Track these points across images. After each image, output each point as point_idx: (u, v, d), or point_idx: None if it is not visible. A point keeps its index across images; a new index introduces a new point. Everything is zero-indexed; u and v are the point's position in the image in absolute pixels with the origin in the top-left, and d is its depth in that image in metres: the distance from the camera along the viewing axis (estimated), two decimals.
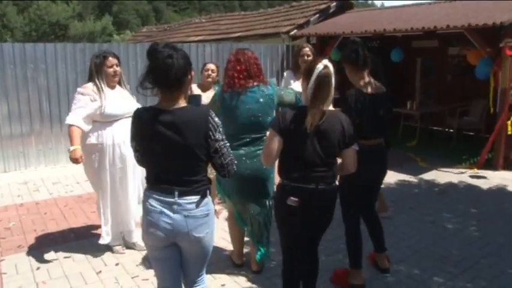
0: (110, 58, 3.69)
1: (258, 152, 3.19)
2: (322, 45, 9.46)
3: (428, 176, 6.55)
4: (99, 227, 4.62)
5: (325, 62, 2.50)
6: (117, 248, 4.01)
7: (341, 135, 2.58)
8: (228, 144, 2.31)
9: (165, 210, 2.24)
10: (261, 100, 3.21)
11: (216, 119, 2.25)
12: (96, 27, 28.33)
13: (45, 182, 6.38)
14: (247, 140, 3.24)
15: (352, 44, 3.29)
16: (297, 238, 2.74)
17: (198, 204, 2.25)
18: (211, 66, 4.79)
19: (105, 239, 3.90)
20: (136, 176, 3.87)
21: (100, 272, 3.67)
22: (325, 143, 2.55)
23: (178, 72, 2.15)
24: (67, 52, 7.11)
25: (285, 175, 2.63)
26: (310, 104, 2.50)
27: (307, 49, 4.92)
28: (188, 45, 8.53)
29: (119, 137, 3.68)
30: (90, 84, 3.69)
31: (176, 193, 2.22)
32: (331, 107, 2.58)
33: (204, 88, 4.78)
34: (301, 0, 12.67)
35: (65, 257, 3.94)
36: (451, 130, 8.95)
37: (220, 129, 2.27)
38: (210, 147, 2.24)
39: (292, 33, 9.75)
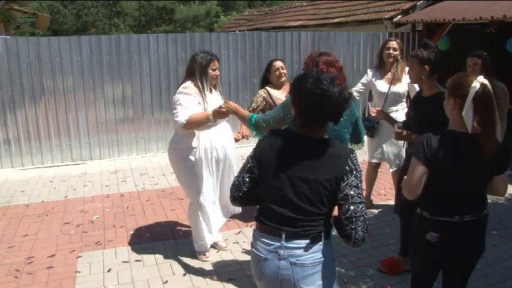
0: (216, 62, 3.62)
1: None
2: (430, 33, 8.51)
3: None
4: (174, 228, 4.59)
5: (481, 79, 2.09)
6: (201, 256, 3.92)
7: (495, 162, 2.21)
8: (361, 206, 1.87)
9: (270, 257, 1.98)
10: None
11: (356, 162, 1.92)
12: (200, 10, 29.08)
13: (133, 172, 6.53)
14: None
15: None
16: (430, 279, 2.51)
17: (306, 249, 1.92)
18: (280, 63, 4.30)
19: (200, 246, 3.90)
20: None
21: (166, 282, 3.55)
22: (480, 173, 2.22)
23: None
24: (159, 42, 7.17)
25: (425, 205, 2.33)
26: (482, 134, 2.11)
27: (393, 43, 4.57)
28: (283, 34, 8.14)
29: (217, 141, 3.57)
30: (191, 85, 3.55)
31: (283, 235, 1.94)
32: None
33: (277, 88, 4.39)
34: None
35: (136, 260, 3.90)
36: None
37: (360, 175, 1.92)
38: (340, 192, 1.88)
39: (395, 19, 8.89)
